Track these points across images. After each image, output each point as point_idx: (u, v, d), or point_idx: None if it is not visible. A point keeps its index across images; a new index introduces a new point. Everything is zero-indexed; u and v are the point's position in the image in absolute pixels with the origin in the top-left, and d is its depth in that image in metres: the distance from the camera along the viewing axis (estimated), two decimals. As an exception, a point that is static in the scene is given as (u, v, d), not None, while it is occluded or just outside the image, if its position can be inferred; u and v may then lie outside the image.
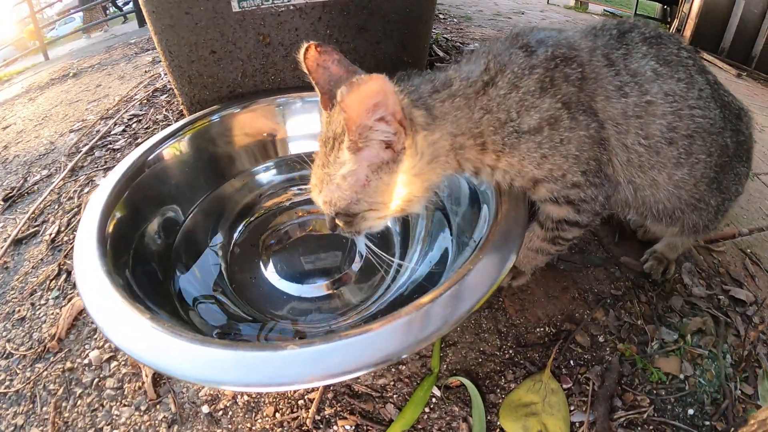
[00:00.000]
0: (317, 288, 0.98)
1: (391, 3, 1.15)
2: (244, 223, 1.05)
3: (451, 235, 0.95)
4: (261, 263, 1.01)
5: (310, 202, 1.13)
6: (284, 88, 1.21)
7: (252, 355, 0.56)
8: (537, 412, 0.88)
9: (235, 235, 1.03)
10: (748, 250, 1.43)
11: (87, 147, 1.79)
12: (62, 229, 1.46)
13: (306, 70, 0.78)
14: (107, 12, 5.53)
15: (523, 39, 0.79)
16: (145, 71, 2.42)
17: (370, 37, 1.19)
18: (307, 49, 0.77)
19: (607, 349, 1.03)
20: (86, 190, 1.59)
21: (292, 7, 1.15)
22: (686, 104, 0.81)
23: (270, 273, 0.99)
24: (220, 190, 1.04)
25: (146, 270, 0.86)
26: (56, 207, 1.59)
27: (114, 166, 1.66)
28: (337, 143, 0.71)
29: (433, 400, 0.90)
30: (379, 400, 0.89)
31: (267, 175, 1.11)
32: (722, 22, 2.83)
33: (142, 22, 3.64)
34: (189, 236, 0.96)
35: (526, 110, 0.75)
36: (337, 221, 0.79)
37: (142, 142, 1.70)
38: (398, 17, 1.17)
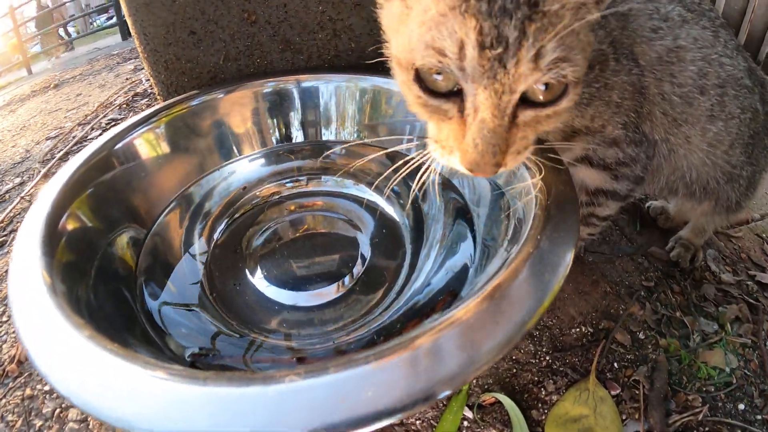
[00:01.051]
0: (314, 296, 0.76)
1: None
2: (226, 221, 0.82)
3: (474, 240, 0.75)
4: (246, 267, 0.78)
5: (301, 195, 0.93)
6: (272, 71, 1.01)
7: (234, 393, 0.35)
8: (590, 427, 0.69)
9: (216, 236, 0.80)
10: (764, 235, 1.30)
11: (61, 152, 1.55)
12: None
13: None
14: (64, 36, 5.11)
15: None
16: (126, 78, 2.19)
17: (367, 13, 1.00)
18: None
19: (649, 346, 0.86)
20: (58, 197, 1.36)
21: (279, -19, 0.96)
22: (714, 51, 0.70)
23: (257, 279, 0.77)
24: (199, 184, 0.82)
25: (110, 286, 0.64)
26: (25, 215, 1.35)
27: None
28: None
29: (465, 423, 0.69)
30: (399, 429, 0.69)
31: (253, 166, 0.89)
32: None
33: (125, 35, 3.39)
34: (162, 240, 0.74)
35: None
36: (521, 118, 0.45)
37: None
38: (398, -9, 0.99)
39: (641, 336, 0.87)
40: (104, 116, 1.74)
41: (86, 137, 1.62)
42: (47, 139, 1.78)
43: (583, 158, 0.71)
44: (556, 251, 0.48)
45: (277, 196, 0.89)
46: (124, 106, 1.78)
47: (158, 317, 0.66)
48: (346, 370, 0.37)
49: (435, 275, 0.76)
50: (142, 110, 1.73)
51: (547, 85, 0.42)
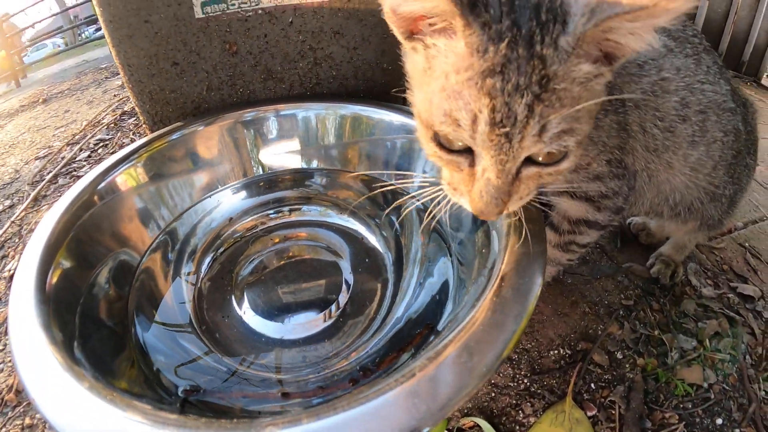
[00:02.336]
0: (300, 327, 0.79)
1: (368, 4, 0.99)
2: (212, 255, 0.86)
3: (451, 263, 0.78)
4: (234, 300, 0.82)
5: (285, 226, 0.96)
6: (255, 100, 1.04)
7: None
8: (565, 451, 0.73)
9: (203, 270, 0.84)
10: (746, 244, 1.33)
11: (51, 174, 1.58)
12: (21, 266, 1.26)
13: None
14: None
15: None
16: (114, 95, 2.21)
17: (347, 42, 1.03)
18: None
19: (627, 365, 0.89)
20: (48, 221, 1.39)
21: (260, 11, 0.99)
22: (696, 78, 0.72)
23: (245, 311, 0.80)
24: (183, 218, 0.85)
25: (103, 327, 0.67)
26: (17, 240, 1.38)
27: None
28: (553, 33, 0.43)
29: (446, 447, 0.74)
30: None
31: (236, 198, 0.92)
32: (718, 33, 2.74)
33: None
34: (149, 277, 0.77)
35: None
36: (524, 174, 0.49)
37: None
38: (375, 20, 1.02)
39: (619, 356, 0.90)
40: (92, 136, 1.77)
41: (75, 158, 1.64)
42: (36, 158, 1.81)
43: (565, 191, 0.73)
44: (519, 300, 0.52)
45: (261, 228, 0.92)
46: (113, 125, 1.81)
47: (150, 354, 0.69)
48: (319, 420, 0.41)
49: (414, 303, 0.79)
50: (130, 130, 1.77)
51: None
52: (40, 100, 2.55)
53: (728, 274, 1.19)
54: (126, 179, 0.80)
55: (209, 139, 0.93)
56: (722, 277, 1.17)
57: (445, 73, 0.45)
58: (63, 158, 1.68)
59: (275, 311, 0.80)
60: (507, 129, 0.43)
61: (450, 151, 0.49)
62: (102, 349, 0.64)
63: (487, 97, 0.43)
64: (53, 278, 0.62)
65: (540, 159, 0.48)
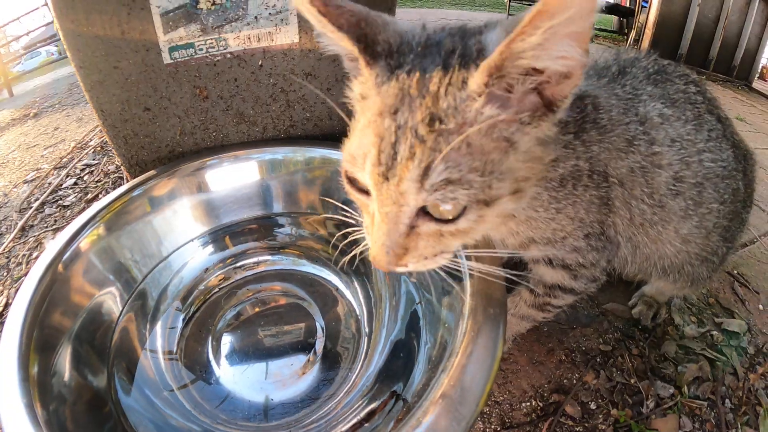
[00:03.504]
0: (280, 386, 0.80)
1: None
2: (183, 315, 0.86)
3: (421, 320, 0.78)
4: (212, 360, 0.83)
5: (255, 279, 0.95)
6: (229, 144, 1.03)
7: None
8: None
9: (178, 330, 0.84)
10: (735, 272, 1.31)
11: (38, 202, 1.59)
12: (10, 301, 1.27)
13: (317, 19, 0.45)
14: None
15: None
16: (103, 111, 2.21)
17: (320, 83, 1.02)
18: None
19: (600, 416, 0.89)
20: (35, 254, 1.40)
21: (229, 56, 0.97)
22: (695, 148, 0.67)
23: (224, 371, 0.82)
24: (149, 280, 0.85)
25: (84, 400, 0.68)
26: (5, 274, 1.40)
27: (63, 226, 1.48)
28: (455, 76, 0.42)
29: None
30: None
31: (202, 253, 0.92)
32: (678, 30, 2.73)
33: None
34: (123, 344, 0.78)
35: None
36: (422, 228, 0.47)
37: (82, 211, 1.49)
38: (349, 60, 1.00)
39: (593, 406, 0.90)
40: (79, 160, 1.77)
41: (61, 185, 1.65)
42: (24, 182, 1.82)
43: (540, 260, 0.71)
44: (473, 388, 0.53)
45: (233, 281, 0.92)
46: (99, 149, 1.82)
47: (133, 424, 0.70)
48: None
49: (380, 363, 0.80)
50: (115, 154, 1.77)
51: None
52: (31, 114, 2.56)
53: (714, 308, 1.18)
54: (88, 245, 0.79)
55: (171, 192, 0.92)
56: (707, 312, 1.16)
57: (362, 112, 0.47)
58: (50, 184, 1.69)
59: (256, 373, 0.81)
60: (385, 169, 0.42)
61: (358, 189, 0.49)
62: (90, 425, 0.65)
63: (376, 135, 0.43)
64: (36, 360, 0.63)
65: (439, 214, 0.45)
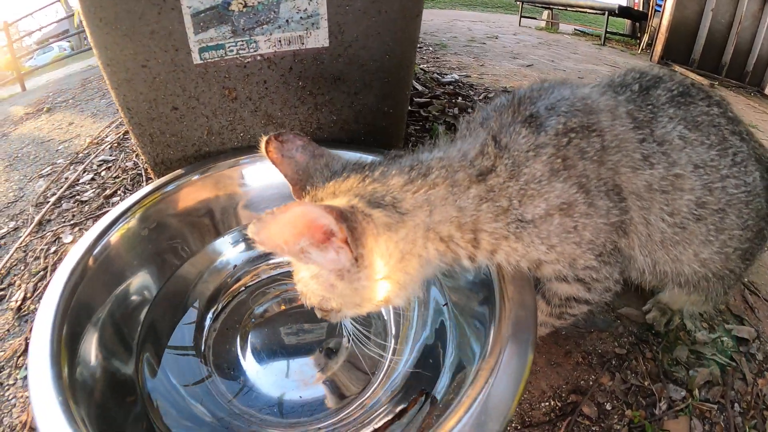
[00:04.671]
0: (306, 385, 0.82)
1: (369, 51, 0.99)
2: (213, 311, 0.88)
3: (447, 308, 0.80)
4: (238, 355, 0.85)
5: (285, 278, 0.97)
6: (254, 146, 1.05)
7: None
8: None
9: (207, 324, 0.86)
10: (745, 280, 1.33)
11: (55, 197, 1.61)
12: (28, 295, 1.29)
13: (271, 163, 0.67)
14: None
15: (528, 108, 0.63)
16: (117, 110, 2.22)
17: (348, 87, 1.04)
18: (268, 141, 0.65)
19: (615, 417, 0.91)
20: (52, 248, 1.42)
21: (259, 58, 0.99)
22: (718, 174, 0.68)
23: (248, 366, 0.84)
24: (180, 275, 0.87)
25: (116, 392, 0.70)
26: (22, 268, 1.41)
27: (82, 221, 1.49)
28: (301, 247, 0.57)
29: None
30: None
31: (236, 250, 0.95)
32: (692, 35, 2.75)
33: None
34: (151, 334, 0.80)
35: (529, 199, 0.60)
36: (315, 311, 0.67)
37: (100, 207, 1.50)
38: (377, 65, 1.02)
39: (608, 407, 0.92)
40: (96, 156, 1.79)
41: (78, 180, 1.67)
42: (40, 176, 1.83)
43: (553, 278, 0.72)
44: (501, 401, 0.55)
45: (261, 279, 0.94)
46: (116, 145, 1.83)
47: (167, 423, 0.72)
48: None
49: (408, 365, 0.82)
50: (133, 151, 1.79)
51: None
52: (45, 109, 2.57)
53: (725, 315, 1.20)
54: (119, 239, 0.81)
55: (205, 189, 0.94)
56: (718, 318, 1.18)
57: None
58: (66, 179, 1.70)
59: (281, 370, 0.83)
60: None
61: None
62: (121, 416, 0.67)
63: None
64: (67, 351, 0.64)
65: None
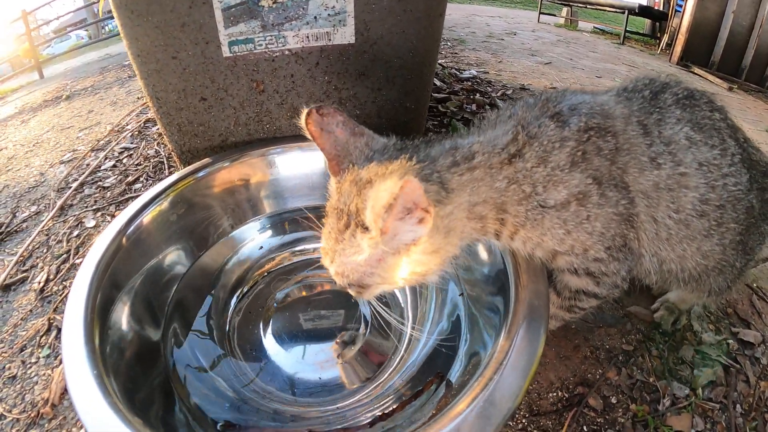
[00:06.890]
0: (322, 368, 0.87)
1: (394, 48, 1.04)
2: (237, 294, 0.94)
3: (463, 298, 0.85)
4: (262, 336, 0.90)
5: (308, 265, 1.03)
6: (279, 137, 1.11)
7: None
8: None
9: (231, 306, 0.92)
10: (754, 285, 1.36)
11: (77, 183, 1.67)
12: (51, 277, 1.35)
13: (310, 136, 0.69)
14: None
15: (554, 107, 0.70)
16: (138, 97, 2.29)
17: (371, 83, 1.08)
18: (308, 114, 0.67)
19: (620, 410, 0.96)
20: (75, 232, 1.48)
21: (287, 52, 1.04)
22: (720, 173, 0.74)
23: (270, 345, 0.89)
24: (207, 257, 0.93)
25: (148, 370, 0.75)
26: (45, 250, 1.47)
27: (104, 206, 1.56)
28: (352, 224, 0.61)
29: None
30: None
31: (263, 237, 1.00)
32: (712, 36, 2.75)
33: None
34: (178, 316, 0.85)
35: (554, 185, 0.66)
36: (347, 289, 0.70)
37: (123, 193, 1.56)
38: (401, 62, 1.07)
39: (613, 400, 0.96)
40: (117, 143, 1.85)
41: (99, 167, 1.73)
42: (61, 162, 1.90)
43: (565, 269, 0.77)
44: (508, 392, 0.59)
45: (286, 265, 1.00)
46: (137, 133, 1.89)
47: (189, 390, 0.78)
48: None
49: (423, 351, 0.86)
50: (154, 139, 1.85)
51: None
52: (64, 97, 2.64)
53: (732, 318, 1.24)
54: (150, 221, 0.86)
55: (235, 177, 1.00)
56: (725, 321, 1.22)
57: None
58: (88, 165, 1.77)
59: (301, 352, 0.89)
60: None
61: None
62: (149, 390, 0.73)
63: None
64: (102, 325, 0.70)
65: None
